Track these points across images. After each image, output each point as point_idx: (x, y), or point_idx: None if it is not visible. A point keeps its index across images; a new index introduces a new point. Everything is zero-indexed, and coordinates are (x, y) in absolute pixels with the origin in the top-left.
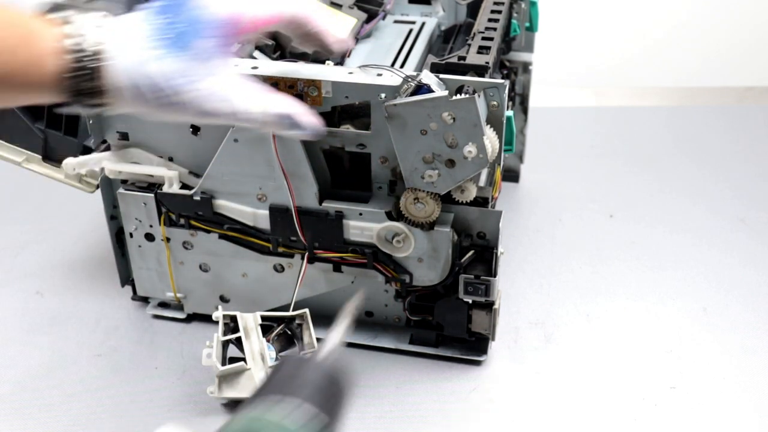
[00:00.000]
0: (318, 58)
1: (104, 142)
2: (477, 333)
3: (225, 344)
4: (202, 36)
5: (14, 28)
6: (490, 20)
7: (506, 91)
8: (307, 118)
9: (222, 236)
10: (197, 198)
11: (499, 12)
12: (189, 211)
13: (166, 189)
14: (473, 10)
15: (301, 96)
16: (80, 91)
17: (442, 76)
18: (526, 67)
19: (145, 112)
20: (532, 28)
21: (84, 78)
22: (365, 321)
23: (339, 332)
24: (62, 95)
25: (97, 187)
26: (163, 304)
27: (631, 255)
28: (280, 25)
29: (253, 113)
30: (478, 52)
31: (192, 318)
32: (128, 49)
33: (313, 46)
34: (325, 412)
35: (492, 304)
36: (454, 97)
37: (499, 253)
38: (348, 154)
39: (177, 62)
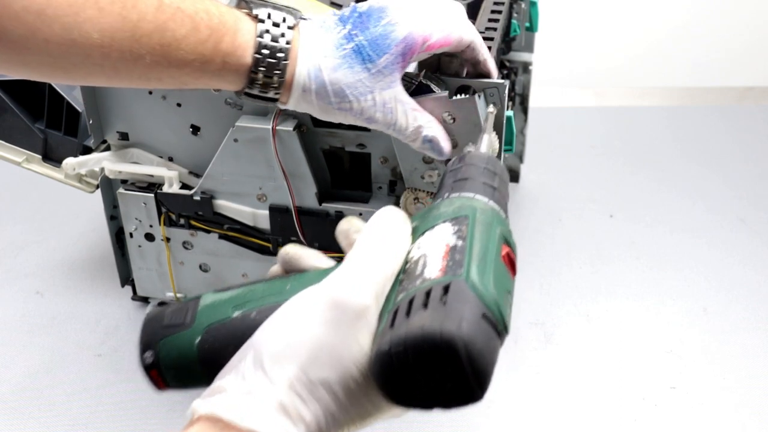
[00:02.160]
0: None
1: (104, 142)
2: None
3: None
4: (383, 53)
5: (223, 18)
6: (490, 20)
7: (506, 91)
8: (446, 144)
9: (222, 236)
10: (197, 198)
11: (499, 12)
12: (189, 211)
13: (166, 189)
14: (473, 10)
15: None
16: (262, 84)
17: (442, 76)
18: (526, 67)
19: (313, 112)
20: (532, 28)
21: (270, 73)
22: None
23: (488, 142)
24: (245, 85)
25: (97, 187)
26: (163, 304)
27: (631, 255)
28: (450, 49)
29: (409, 130)
30: None
31: None
32: (312, 53)
33: (473, 70)
34: (504, 209)
35: None
36: (455, 98)
37: None
38: (348, 154)
39: (353, 74)
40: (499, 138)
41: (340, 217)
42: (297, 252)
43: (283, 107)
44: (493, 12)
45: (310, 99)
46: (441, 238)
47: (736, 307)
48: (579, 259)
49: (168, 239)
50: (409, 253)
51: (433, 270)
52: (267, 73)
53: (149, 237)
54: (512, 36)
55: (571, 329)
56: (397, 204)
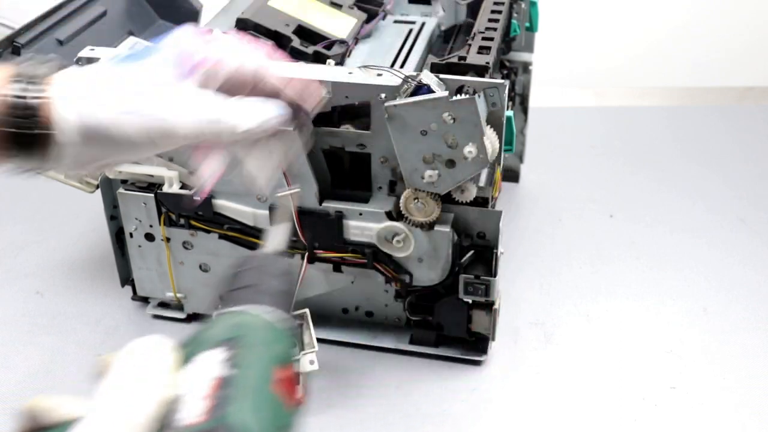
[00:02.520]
0: (318, 58)
1: None
2: (477, 333)
3: None
4: (155, 52)
5: None
6: (490, 20)
7: (506, 91)
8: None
9: (222, 236)
10: (197, 198)
11: (499, 12)
12: (189, 211)
13: (166, 189)
14: (473, 10)
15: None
16: (21, 145)
17: (442, 76)
18: (526, 67)
19: (114, 157)
20: (532, 28)
21: (24, 128)
22: (365, 321)
23: (280, 236)
24: (6, 152)
25: (97, 187)
26: (163, 304)
27: (631, 255)
28: (240, 77)
29: (250, 126)
30: (478, 52)
31: (192, 318)
32: (73, 97)
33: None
34: (288, 315)
35: (492, 304)
36: (455, 98)
37: (499, 253)
38: (348, 154)
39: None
40: (499, 138)
41: (341, 217)
42: (41, 407)
43: (73, 171)
44: (493, 12)
45: (98, 142)
46: (210, 367)
47: (736, 307)
48: (579, 259)
49: (168, 239)
50: (175, 388)
51: (196, 412)
52: (20, 130)
53: (149, 237)
54: (512, 36)
55: (571, 329)
56: (397, 204)
